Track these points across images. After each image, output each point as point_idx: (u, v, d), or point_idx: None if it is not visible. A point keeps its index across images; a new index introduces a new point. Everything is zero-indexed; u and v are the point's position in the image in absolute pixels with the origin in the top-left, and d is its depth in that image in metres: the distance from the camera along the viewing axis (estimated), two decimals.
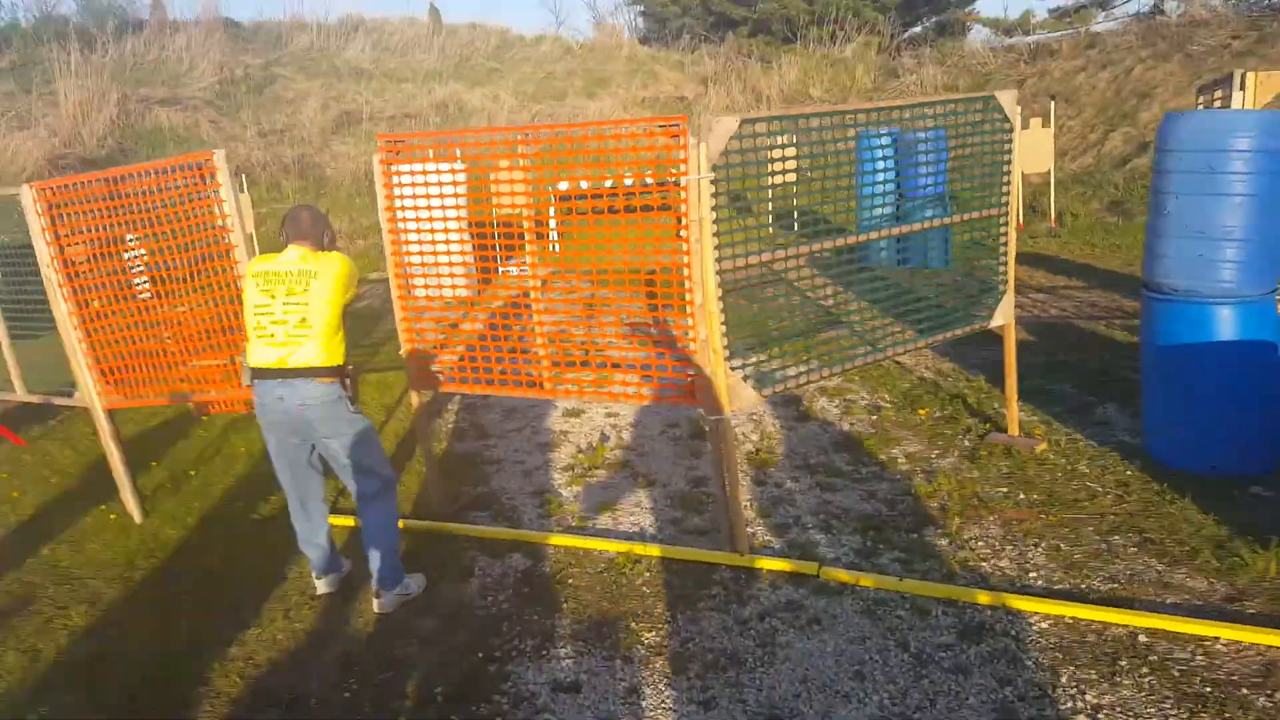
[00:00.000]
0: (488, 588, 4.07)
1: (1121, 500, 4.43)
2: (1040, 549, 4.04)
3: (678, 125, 3.60)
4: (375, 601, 3.89)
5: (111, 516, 5.15)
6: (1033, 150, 11.84)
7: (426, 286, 4.49)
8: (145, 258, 4.75)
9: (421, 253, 4.45)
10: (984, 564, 3.96)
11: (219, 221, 4.41)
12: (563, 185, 4.34)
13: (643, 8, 30.24)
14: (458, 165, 4.46)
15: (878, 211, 5.19)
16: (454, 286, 4.44)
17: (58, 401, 5.37)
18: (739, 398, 3.94)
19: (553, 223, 4.49)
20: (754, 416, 6.02)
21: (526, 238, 4.13)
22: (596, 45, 25.49)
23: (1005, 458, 5.03)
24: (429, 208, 4.33)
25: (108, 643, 3.86)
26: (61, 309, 4.76)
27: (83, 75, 16.81)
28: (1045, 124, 12.31)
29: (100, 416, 4.98)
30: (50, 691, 3.54)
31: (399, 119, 20.16)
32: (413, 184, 4.34)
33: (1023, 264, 9.83)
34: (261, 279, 3.68)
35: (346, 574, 4.19)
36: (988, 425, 5.51)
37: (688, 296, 3.73)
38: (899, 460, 5.18)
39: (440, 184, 4.28)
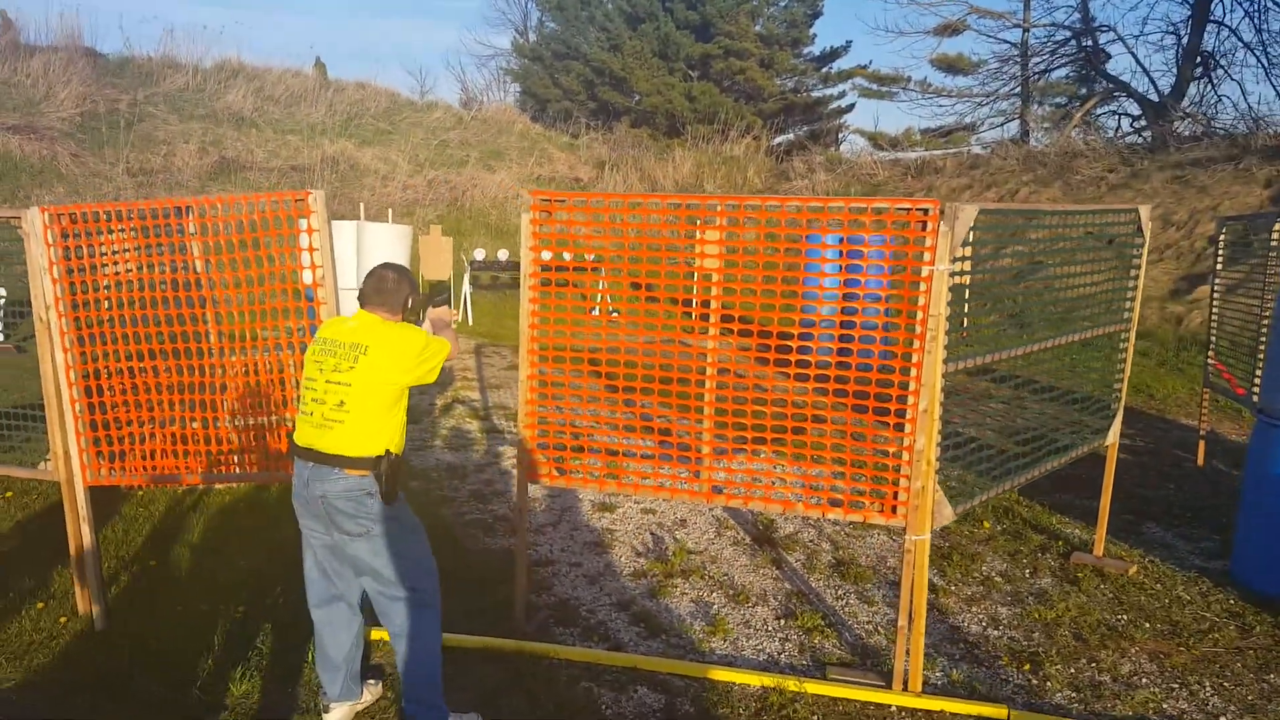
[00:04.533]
0: None
1: (1247, 634, 4.29)
2: (1207, 688, 3.76)
3: (927, 210, 3.20)
4: None
5: (60, 619, 4.04)
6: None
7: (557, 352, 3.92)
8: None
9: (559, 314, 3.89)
10: (1165, 704, 3.63)
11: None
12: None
13: (520, 87, 30.29)
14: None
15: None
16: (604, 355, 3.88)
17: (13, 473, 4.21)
18: (941, 516, 3.47)
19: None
20: (812, 521, 5.53)
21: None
22: (489, 118, 25.08)
23: (1100, 579, 4.83)
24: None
25: None
26: (57, 361, 3.71)
27: None
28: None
29: (80, 495, 3.90)
30: None
31: (286, 171, 18.84)
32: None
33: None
34: (318, 348, 3.12)
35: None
36: (1060, 542, 5.29)
37: (910, 400, 3.27)
38: (996, 579, 4.84)
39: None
